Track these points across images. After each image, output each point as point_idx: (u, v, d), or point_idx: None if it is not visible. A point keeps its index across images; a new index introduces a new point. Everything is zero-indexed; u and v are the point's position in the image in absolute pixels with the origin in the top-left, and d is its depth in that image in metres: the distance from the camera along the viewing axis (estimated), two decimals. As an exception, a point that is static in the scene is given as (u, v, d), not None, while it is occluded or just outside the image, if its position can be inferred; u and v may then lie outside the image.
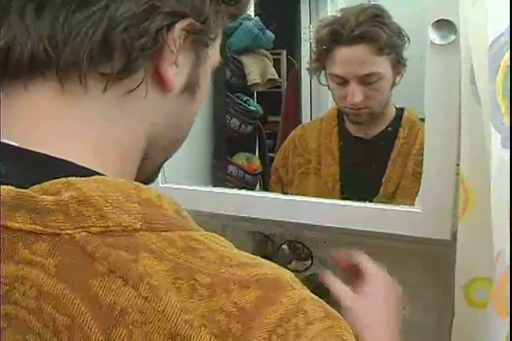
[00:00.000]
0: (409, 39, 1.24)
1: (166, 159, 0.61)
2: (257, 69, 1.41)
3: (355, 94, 1.23)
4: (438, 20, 0.87)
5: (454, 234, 0.92)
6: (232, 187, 1.35)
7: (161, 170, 1.18)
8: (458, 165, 0.91)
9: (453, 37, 0.87)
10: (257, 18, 1.40)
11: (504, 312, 0.67)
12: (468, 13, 0.78)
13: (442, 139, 0.93)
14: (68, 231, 0.40)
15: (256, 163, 1.49)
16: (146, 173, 0.58)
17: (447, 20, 0.87)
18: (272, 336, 0.38)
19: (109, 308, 0.37)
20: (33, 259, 0.39)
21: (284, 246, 1.19)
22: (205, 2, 0.51)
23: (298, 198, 1.11)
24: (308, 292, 0.43)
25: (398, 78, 1.26)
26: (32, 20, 0.46)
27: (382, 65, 1.23)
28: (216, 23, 0.54)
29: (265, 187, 1.47)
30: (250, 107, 1.43)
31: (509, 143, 0.70)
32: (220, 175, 1.43)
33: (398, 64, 1.24)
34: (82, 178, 0.43)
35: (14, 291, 0.38)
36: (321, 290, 0.63)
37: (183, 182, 1.22)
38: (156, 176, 0.62)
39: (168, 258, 0.40)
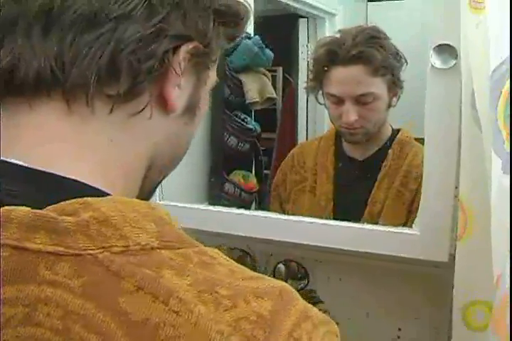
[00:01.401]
0: (406, 61, 1.26)
1: (164, 177, 0.61)
2: (255, 88, 1.42)
3: (350, 113, 1.25)
4: (439, 45, 0.89)
5: (452, 256, 0.93)
6: (229, 205, 1.36)
7: (159, 187, 1.20)
8: (457, 187, 0.93)
9: (454, 61, 0.89)
10: (256, 36, 1.42)
11: (503, 336, 0.68)
12: (470, 37, 0.80)
13: (441, 162, 0.94)
14: (90, 252, 0.40)
15: (252, 181, 1.50)
16: (145, 192, 0.58)
17: (448, 45, 0.89)
18: (290, 339, 0.41)
19: (140, 325, 0.38)
20: (57, 280, 0.39)
21: (280, 266, 1.20)
22: (209, 25, 0.52)
23: (294, 218, 1.12)
24: (309, 305, 0.46)
25: (395, 99, 1.28)
26: (38, 40, 0.47)
27: (378, 86, 1.25)
28: (217, 46, 0.55)
29: (261, 206, 1.48)
30: (248, 125, 1.44)
31: (509, 169, 0.71)
32: (216, 193, 1.43)
33: (394, 85, 1.26)
34: (99, 198, 0.43)
35: (37, 313, 0.38)
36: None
37: (180, 200, 1.22)
38: (152, 195, 0.62)
39: (188, 274, 0.41)
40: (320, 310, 0.46)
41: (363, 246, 1.03)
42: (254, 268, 1.21)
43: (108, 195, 0.46)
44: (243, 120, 1.44)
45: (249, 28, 1.47)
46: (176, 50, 0.50)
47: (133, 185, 0.54)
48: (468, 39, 0.80)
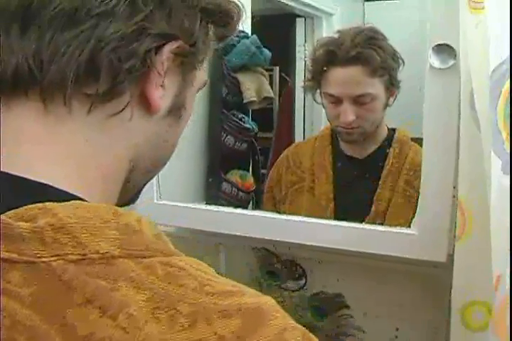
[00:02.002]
0: (403, 61, 1.26)
1: (148, 181, 0.60)
2: (253, 87, 1.42)
3: (348, 113, 1.25)
4: (438, 45, 0.89)
5: (450, 257, 0.93)
6: (226, 205, 1.35)
7: (157, 187, 1.19)
8: (455, 187, 0.92)
9: (452, 61, 0.89)
10: (254, 36, 1.41)
11: (504, 337, 0.68)
12: (469, 37, 0.79)
13: (440, 162, 0.94)
14: (44, 259, 0.38)
15: (250, 180, 1.49)
16: (128, 196, 0.56)
17: (447, 45, 0.88)
18: None
19: (85, 340, 0.36)
20: (8, 288, 0.37)
21: (278, 266, 1.19)
22: (195, 24, 0.51)
23: (293, 218, 1.12)
24: (290, 320, 0.42)
25: (392, 99, 1.28)
26: (16, 38, 0.45)
27: (376, 87, 1.25)
28: (205, 45, 0.53)
29: (258, 205, 1.48)
30: (245, 125, 1.44)
31: (509, 169, 0.71)
32: (214, 193, 1.43)
33: (391, 86, 1.26)
34: (60, 204, 0.41)
35: None
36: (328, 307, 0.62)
37: (178, 199, 1.22)
38: (137, 198, 0.60)
39: (148, 287, 0.39)
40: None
41: (361, 246, 1.02)
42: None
43: (77, 198, 0.44)
44: (240, 119, 1.43)
45: (247, 28, 1.46)
46: (158, 49, 0.48)
47: (113, 188, 0.52)
48: (468, 39, 0.79)
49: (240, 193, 1.46)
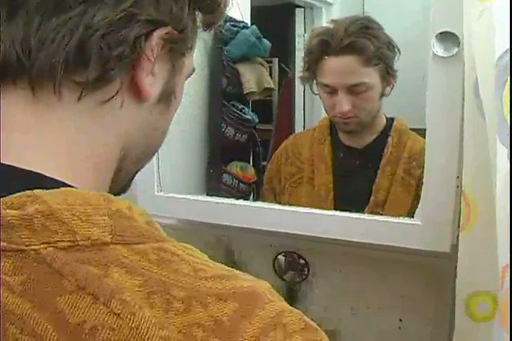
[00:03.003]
0: (399, 51, 1.25)
1: (139, 170, 0.59)
2: (253, 78, 1.40)
3: (343, 103, 1.25)
4: (441, 33, 0.88)
5: (454, 247, 0.92)
6: (227, 196, 1.34)
7: (157, 179, 1.18)
8: (458, 177, 0.91)
9: (456, 49, 0.87)
10: (254, 26, 1.40)
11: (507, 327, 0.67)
12: (473, 25, 0.78)
13: (443, 151, 0.92)
14: (34, 247, 0.38)
15: (251, 172, 1.48)
16: (120, 184, 0.56)
17: (451, 33, 0.87)
18: None
19: (77, 327, 0.35)
20: None
21: (280, 257, 1.18)
22: (184, 10, 0.50)
23: (292, 208, 1.11)
24: (286, 303, 0.41)
25: (388, 89, 1.27)
26: (4, 24, 0.44)
27: (371, 76, 1.24)
28: (193, 32, 0.53)
29: (259, 197, 1.47)
30: (246, 116, 1.43)
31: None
32: (214, 184, 1.42)
33: (387, 75, 1.25)
34: (49, 191, 0.41)
35: None
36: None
37: (178, 191, 1.21)
38: (129, 187, 0.59)
39: (141, 273, 0.38)
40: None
41: (364, 236, 1.02)
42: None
43: (67, 186, 0.44)
44: (241, 110, 1.42)
45: (246, 18, 1.45)
46: (148, 35, 0.47)
47: (105, 177, 0.51)
48: (472, 27, 0.78)
49: (241, 185, 1.45)
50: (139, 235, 0.41)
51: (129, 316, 0.36)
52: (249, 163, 1.51)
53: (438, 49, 0.88)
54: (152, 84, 0.49)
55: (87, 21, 0.44)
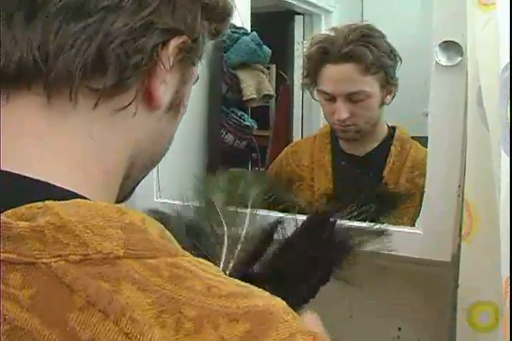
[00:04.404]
0: (401, 59, 1.26)
1: (144, 177, 0.59)
2: (253, 85, 1.40)
3: (341, 111, 1.25)
4: (444, 42, 0.88)
5: (454, 256, 0.92)
6: (225, 204, 1.34)
7: (156, 185, 1.18)
8: (460, 186, 0.91)
9: (459, 58, 0.88)
10: (254, 33, 1.40)
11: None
12: (477, 35, 0.79)
13: (445, 160, 0.93)
14: (44, 260, 0.37)
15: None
16: (125, 192, 0.55)
17: (454, 42, 0.87)
18: None
19: None
20: (6, 291, 0.36)
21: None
22: (197, 20, 0.50)
23: (295, 216, 1.11)
24: (301, 323, 0.40)
25: (389, 97, 1.28)
26: (21, 29, 0.44)
27: (370, 84, 1.24)
28: (203, 42, 0.53)
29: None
30: (245, 122, 1.43)
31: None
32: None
33: (388, 84, 1.26)
34: (61, 202, 0.40)
35: None
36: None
37: (177, 198, 1.20)
38: (131, 194, 0.59)
39: (153, 289, 0.37)
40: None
41: (364, 245, 1.01)
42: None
43: (79, 196, 0.43)
44: (240, 117, 1.42)
45: (246, 25, 1.45)
46: (164, 44, 0.48)
47: (114, 185, 0.51)
48: (477, 36, 0.79)
49: (239, 192, 1.45)
50: (152, 249, 0.40)
51: (138, 336, 0.35)
52: (247, 169, 1.52)
53: (441, 58, 0.89)
54: (164, 92, 0.50)
55: (106, 28, 0.44)
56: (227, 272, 0.88)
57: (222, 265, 0.89)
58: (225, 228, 0.97)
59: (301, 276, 0.85)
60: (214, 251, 0.91)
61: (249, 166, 1.53)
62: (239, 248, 0.92)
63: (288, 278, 0.85)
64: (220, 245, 0.92)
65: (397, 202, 1.13)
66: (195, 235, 0.95)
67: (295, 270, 0.86)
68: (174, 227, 0.95)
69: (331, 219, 0.89)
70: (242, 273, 0.87)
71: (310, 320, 0.81)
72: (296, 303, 0.83)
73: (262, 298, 0.40)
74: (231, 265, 0.89)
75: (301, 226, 0.91)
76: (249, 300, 0.39)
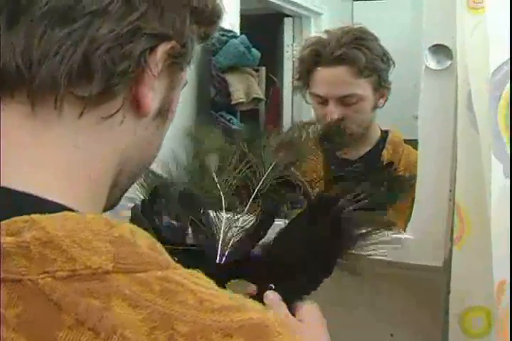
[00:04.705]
0: (394, 63, 1.26)
1: (131, 185, 0.57)
2: (241, 88, 1.40)
3: (333, 114, 1.25)
4: (434, 45, 0.88)
5: (446, 261, 0.92)
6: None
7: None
8: (451, 191, 0.91)
9: (449, 62, 0.88)
10: (243, 36, 1.40)
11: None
12: (468, 37, 0.79)
13: (435, 164, 0.93)
14: (30, 277, 0.36)
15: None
16: (112, 201, 0.54)
17: (443, 46, 0.87)
18: None
19: None
20: None
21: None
22: (185, 24, 0.49)
23: (286, 221, 1.10)
24: (295, 336, 0.41)
25: (382, 101, 1.28)
26: (3, 34, 0.43)
27: (362, 87, 1.24)
28: (192, 46, 0.52)
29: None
30: (234, 126, 1.42)
31: (510, 173, 0.70)
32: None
33: (380, 87, 1.26)
34: (48, 215, 0.39)
35: None
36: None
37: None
38: (118, 203, 0.58)
39: (144, 305, 0.36)
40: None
41: (354, 250, 1.01)
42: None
43: (65, 208, 0.42)
44: (229, 121, 1.41)
45: (235, 27, 1.45)
46: (152, 50, 0.47)
47: (101, 195, 0.50)
48: (466, 40, 0.79)
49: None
50: (142, 262, 0.39)
51: None
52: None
53: (431, 62, 0.89)
54: (153, 99, 0.49)
55: (92, 34, 0.43)
56: (227, 252, 0.86)
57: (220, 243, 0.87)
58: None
59: (301, 264, 0.84)
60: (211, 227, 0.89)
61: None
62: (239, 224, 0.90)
63: (288, 266, 0.84)
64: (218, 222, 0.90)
65: (405, 185, 1.10)
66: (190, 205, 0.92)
67: (294, 257, 0.84)
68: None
69: (336, 205, 0.87)
70: (243, 254, 0.85)
71: (310, 310, 0.80)
72: (296, 293, 0.82)
73: (256, 311, 0.40)
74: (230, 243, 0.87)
75: (303, 211, 0.90)
76: (243, 313, 0.39)
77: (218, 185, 0.98)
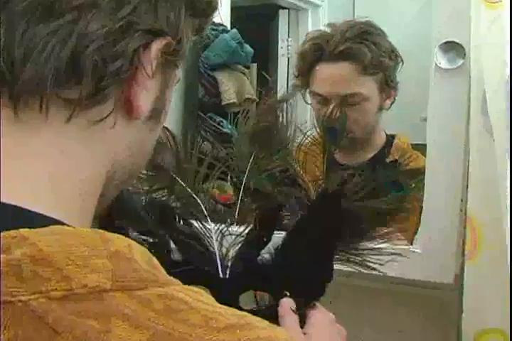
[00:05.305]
0: (402, 60, 1.25)
1: (118, 193, 0.57)
2: (233, 88, 1.40)
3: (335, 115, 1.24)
4: (445, 43, 0.88)
5: (457, 277, 0.92)
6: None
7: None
8: (462, 200, 0.92)
9: (461, 61, 0.88)
10: (234, 30, 1.40)
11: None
12: (483, 34, 0.79)
13: (446, 172, 0.93)
14: (22, 298, 0.35)
15: (229, 191, 1.47)
16: (98, 211, 0.53)
17: (455, 43, 0.88)
18: None
19: None
20: None
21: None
22: (180, 18, 0.49)
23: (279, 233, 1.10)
24: None
25: (388, 102, 1.27)
26: None
27: (367, 86, 1.24)
28: (187, 41, 0.52)
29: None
30: (224, 129, 1.42)
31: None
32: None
33: (387, 86, 1.25)
34: (37, 230, 0.38)
35: None
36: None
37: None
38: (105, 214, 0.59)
39: (146, 325, 0.36)
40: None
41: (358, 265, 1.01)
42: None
43: (55, 221, 0.42)
44: (219, 123, 1.41)
45: (226, 21, 1.45)
46: (146, 47, 0.46)
47: (90, 204, 0.49)
48: (481, 36, 0.79)
49: (217, 205, 1.45)
50: (141, 279, 0.39)
51: None
52: (226, 181, 1.51)
53: (441, 60, 0.89)
54: (146, 100, 0.48)
55: (81, 30, 0.43)
56: (229, 263, 0.85)
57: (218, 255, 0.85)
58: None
59: (312, 267, 0.84)
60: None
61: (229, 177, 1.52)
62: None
63: (300, 270, 0.83)
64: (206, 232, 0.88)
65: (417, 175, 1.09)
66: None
67: (306, 259, 0.84)
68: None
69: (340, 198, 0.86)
70: (249, 263, 0.84)
71: (321, 320, 0.80)
72: (308, 298, 0.82)
73: (264, 329, 0.40)
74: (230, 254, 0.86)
75: (308, 209, 0.89)
76: (250, 331, 0.39)
77: (188, 189, 0.97)
